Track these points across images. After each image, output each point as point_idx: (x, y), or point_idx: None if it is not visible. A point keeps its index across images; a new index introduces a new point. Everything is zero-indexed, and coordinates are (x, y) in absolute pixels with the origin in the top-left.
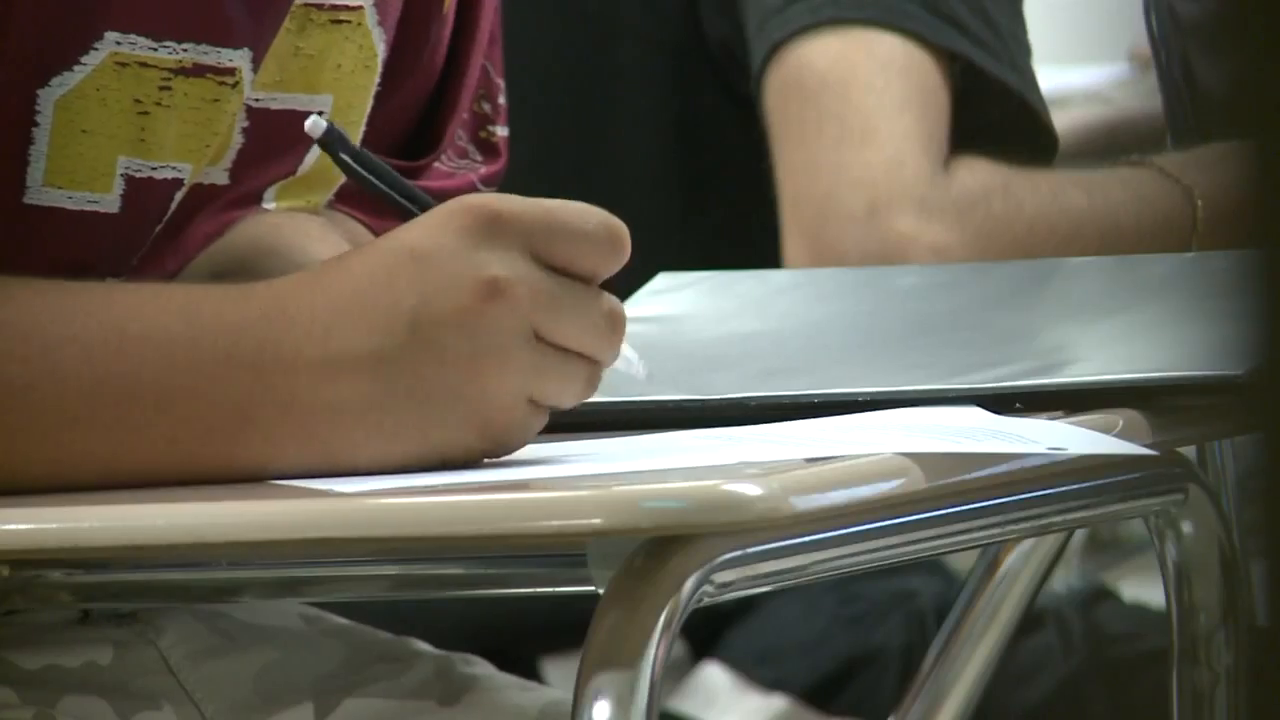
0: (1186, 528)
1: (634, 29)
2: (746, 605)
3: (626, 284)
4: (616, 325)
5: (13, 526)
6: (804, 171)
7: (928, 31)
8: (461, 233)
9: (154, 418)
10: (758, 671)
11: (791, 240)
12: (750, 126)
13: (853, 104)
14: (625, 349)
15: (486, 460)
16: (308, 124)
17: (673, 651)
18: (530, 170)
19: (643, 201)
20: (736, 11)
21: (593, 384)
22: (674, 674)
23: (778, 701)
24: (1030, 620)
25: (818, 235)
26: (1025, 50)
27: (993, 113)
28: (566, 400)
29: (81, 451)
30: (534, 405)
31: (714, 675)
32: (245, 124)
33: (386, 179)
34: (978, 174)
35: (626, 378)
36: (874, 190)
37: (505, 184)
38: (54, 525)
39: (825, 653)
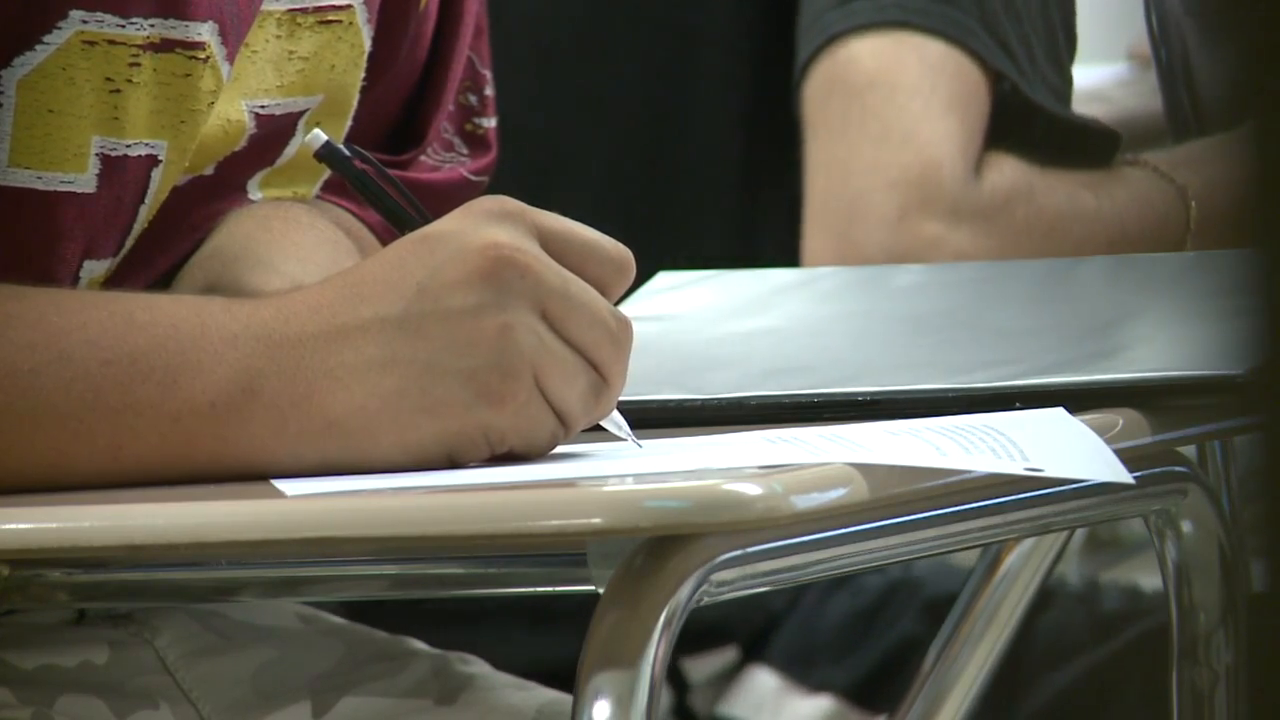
0: (1186, 527)
1: (716, 37)
2: (791, 605)
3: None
4: (624, 332)
5: (13, 526)
6: (840, 167)
7: (984, 50)
8: (474, 216)
9: (159, 398)
10: (804, 673)
11: (815, 235)
12: None
13: (898, 105)
14: (616, 415)
15: (485, 458)
16: (307, 138)
17: (724, 656)
18: (607, 177)
19: (719, 206)
20: None
21: (598, 398)
22: (724, 679)
23: (824, 702)
24: (1045, 600)
25: (845, 232)
26: (1056, 92)
27: (1036, 137)
28: (571, 398)
29: (88, 437)
30: (540, 394)
31: (761, 679)
32: (254, 131)
33: (390, 186)
34: (1005, 175)
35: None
36: (907, 192)
37: (584, 194)
38: (54, 525)
39: (868, 650)
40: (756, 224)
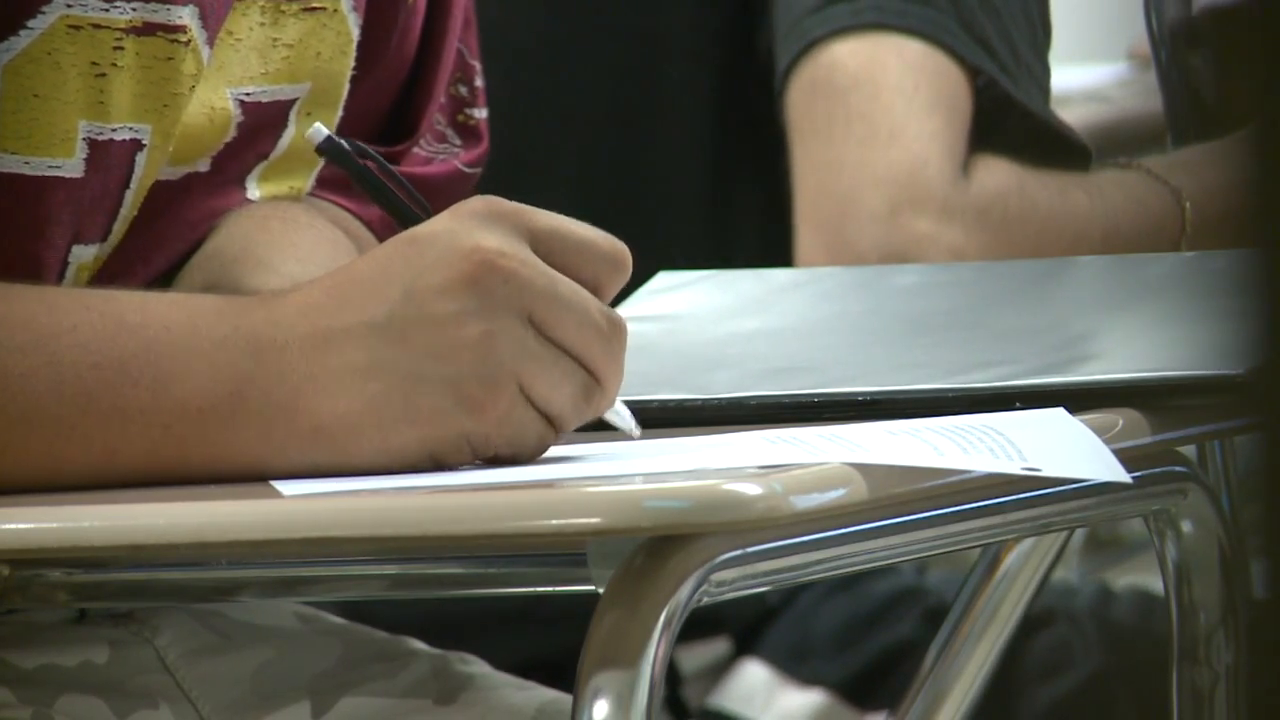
0: (1186, 527)
1: (682, 46)
2: (787, 601)
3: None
4: (616, 332)
5: (13, 526)
6: (827, 168)
7: (962, 48)
8: (464, 217)
9: (149, 402)
10: (796, 667)
11: (807, 235)
12: None
13: (882, 104)
14: (619, 404)
15: (470, 463)
16: (308, 133)
17: (716, 647)
18: (575, 183)
19: (687, 212)
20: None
21: (589, 397)
22: (716, 671)
23: (815, 697)
24: (1044, 616)
25: (837, 231)
26: (1040, 85)
27: (1013, 135)
28: (559, 401)
29: (82, 441)
30: (526, 399)
31: (753, 671)
32: (240, 119)
33: (392, 180)
34: (995, 175)
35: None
36: (897, 190)
37: (552, 200)
38: (54, 525)
39: (863, 648)
40: (725, 228)
